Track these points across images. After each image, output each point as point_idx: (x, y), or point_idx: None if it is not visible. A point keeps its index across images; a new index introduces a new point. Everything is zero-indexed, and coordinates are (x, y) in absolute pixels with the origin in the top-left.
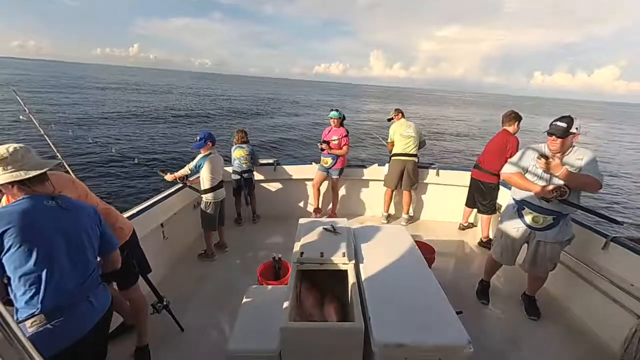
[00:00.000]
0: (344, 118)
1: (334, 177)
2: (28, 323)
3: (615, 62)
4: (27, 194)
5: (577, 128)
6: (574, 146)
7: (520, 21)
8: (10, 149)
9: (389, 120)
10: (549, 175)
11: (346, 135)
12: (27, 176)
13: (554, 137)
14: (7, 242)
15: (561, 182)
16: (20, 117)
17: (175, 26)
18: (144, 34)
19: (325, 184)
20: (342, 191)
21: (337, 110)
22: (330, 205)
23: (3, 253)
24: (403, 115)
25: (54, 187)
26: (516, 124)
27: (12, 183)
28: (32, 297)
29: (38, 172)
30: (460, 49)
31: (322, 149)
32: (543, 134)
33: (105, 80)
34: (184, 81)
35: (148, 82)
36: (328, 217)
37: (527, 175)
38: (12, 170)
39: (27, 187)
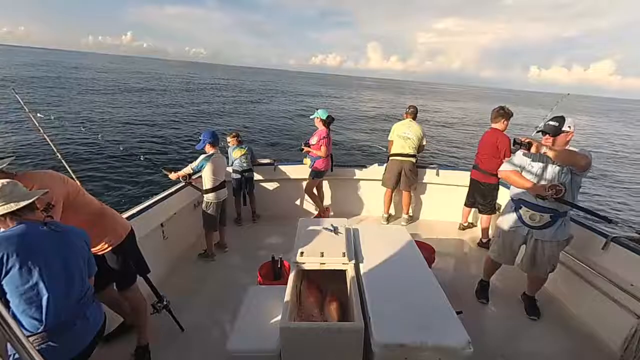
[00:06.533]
0: (330, 119)
1: (311, 178)
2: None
3: (612, 56)
4: (20, 223)
5: (569, 127)
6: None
7: (520, 15)
8: None
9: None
10: (545, 174)
11: (324, 137)
12: (19, 206)
13: (547, 135)
14: (8, 264)
15: (557, 182)
16: (24, 126)
17: (169, 14)
18: (136, 21)
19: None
20: (341, 191)
21: (319, 110)
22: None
23: (3, 275)
24: (411, 115)
25: (43, 216)
26: (502, 121)
27: (4, 215)
28: (33, 316)
29: (28, 201)
30: (458, 41)
31: (302, 150)
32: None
33: (101, 69)
34: (179, 71)
35: (142, 72)
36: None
37: (524, 174)
38: (3, 203)
39: (18, 216)
